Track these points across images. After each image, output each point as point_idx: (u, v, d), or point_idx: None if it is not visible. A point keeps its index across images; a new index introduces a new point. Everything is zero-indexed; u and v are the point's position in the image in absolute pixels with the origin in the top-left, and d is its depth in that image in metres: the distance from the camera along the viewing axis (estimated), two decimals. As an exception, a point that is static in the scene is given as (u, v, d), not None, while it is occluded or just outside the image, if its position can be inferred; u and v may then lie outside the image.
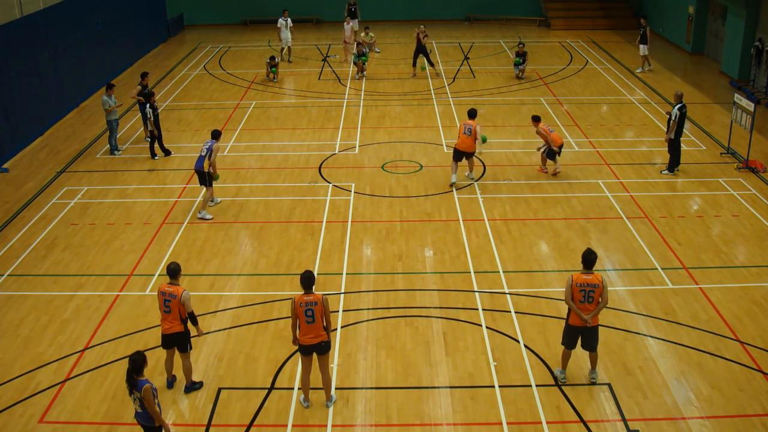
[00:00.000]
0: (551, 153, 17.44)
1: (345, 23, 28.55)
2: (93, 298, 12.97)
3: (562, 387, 10.46)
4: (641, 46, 26.27)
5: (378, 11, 33.65)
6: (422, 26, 26.50)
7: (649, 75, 26.17)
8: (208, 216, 15.65)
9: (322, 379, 10.12)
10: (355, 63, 26.64)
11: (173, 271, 10.22)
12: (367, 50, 27.04)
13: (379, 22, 32.72)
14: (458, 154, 17.04)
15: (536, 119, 17.84)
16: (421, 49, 26.18)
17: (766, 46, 23.50)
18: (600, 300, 10.04)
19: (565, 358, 10.52)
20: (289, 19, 28.20)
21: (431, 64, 26.67)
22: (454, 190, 16.81)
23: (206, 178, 15.55)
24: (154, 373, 10.71)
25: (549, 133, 17.34)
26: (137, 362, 8.56)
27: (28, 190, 17.50)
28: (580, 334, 10.24)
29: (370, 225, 15.39)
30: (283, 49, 28.76)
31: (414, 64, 26.71)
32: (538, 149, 17.93)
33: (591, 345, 10.34)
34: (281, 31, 28.26)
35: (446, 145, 19.59)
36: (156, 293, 12.82)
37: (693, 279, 13.20)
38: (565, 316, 10.40)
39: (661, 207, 15.96)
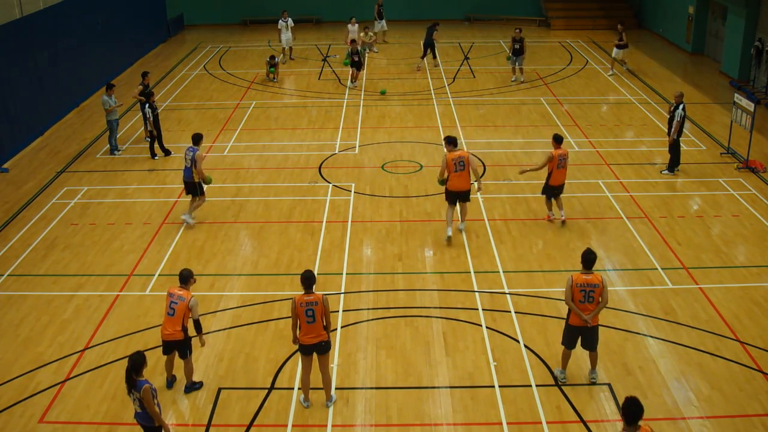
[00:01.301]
0: (547, 191, 15.01)
1: (350, 24, 28.41)
2: (93, 298, 12.97)
3: (562, 387, 10.46)
4: (623, 50, 25.66)
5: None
6: (437, 23, 27.66)
7: (649, 75, 26.14)
8: (190, 220, 15.28)
9: (322, 379, 10.12)
10: (349, 63, 25.58)
11: (185, 277, 10.25)
12: (366, 50, 27.00)
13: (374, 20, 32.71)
14: (452, 197, 14.45)
15: (558, 140, 14.80)
16: (429, 43, 27.14)
17: (766, 46, 23.50)
18: (600, 300, 10.04)
19: (565, 358, 10.52)
20: (289, 20, 28.18)
21: (434, 56, 27.68)
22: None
23: (196, 187, 15.09)
24: (154, 373, 10.71)
25: (556, 167, 14.61)
26: (136, 362, 8.55)
27: (28, 190, 17.51)
28: (580, 334, 10.24)
29: (370, 225, 15.39)
30: (284, 49, 28.74)
31: (423, 56, 27.57)
32: (522, 172, 15.78)
33: (591, 345, 10.34)
34: (281, 33, 28.26)
35: (446, 145, 19.61)
36: (158, 293, 12.90)
37: (693, 279, 13.20)
38: (565, 316, 10.40)
39: (661, 207, 15.96)
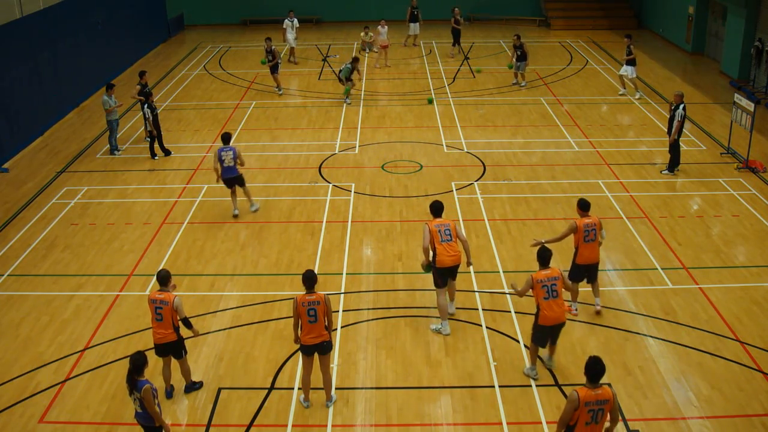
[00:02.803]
0: (575, 274, 11.80)
1: (380, 26, 28.06)
2: (93, 298, 12.97)
3: (562, 387, 10.47)
4: (631, 68, 23.14)
5: (377, 11, 33.63)
6: (457, 9, 28.73)
7: (649, 75, 26.12)
8: (257, 204, 16.09)
9: (323, 379, 10.12)
10: (342, 79, 23.10)
11: (163, 279, 10.13)
12: (366, 50, 26.85)
13: (378, 22, 32.67)
14: (445, 275, 11.35)
15: (584, 207, 11.68)
16: (455, 31, 28.65)
17: (766, 46, 23.50)
18: (564, 289, 10.33)
19: (534, 353, 10.65)
20: (295, 20, 28.06)
21: (457, 43, 29.24)
22: (454, 188, 16.79)
23: (243, 180, 15.74)
24: (154, 373, 10.70)
25: (583, 240, 11.49)
26: (137, 362, 8.55)
27: (28, 190, 17.50)
28: (550, 330, 10.43)
29: (370, 225, 15.39)
30: (289, 49, 28.60)
31: (453, 45, 29.23)
32: (535, 244, 11.24)
33: (555, 339, 10.64)
34: (287, 32, 28.08)
35: (446, 145, 19.60)
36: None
37: (693, 279, 13.20)
38: (535, 314, 10.48)
39: (661, 207, 15.96)
